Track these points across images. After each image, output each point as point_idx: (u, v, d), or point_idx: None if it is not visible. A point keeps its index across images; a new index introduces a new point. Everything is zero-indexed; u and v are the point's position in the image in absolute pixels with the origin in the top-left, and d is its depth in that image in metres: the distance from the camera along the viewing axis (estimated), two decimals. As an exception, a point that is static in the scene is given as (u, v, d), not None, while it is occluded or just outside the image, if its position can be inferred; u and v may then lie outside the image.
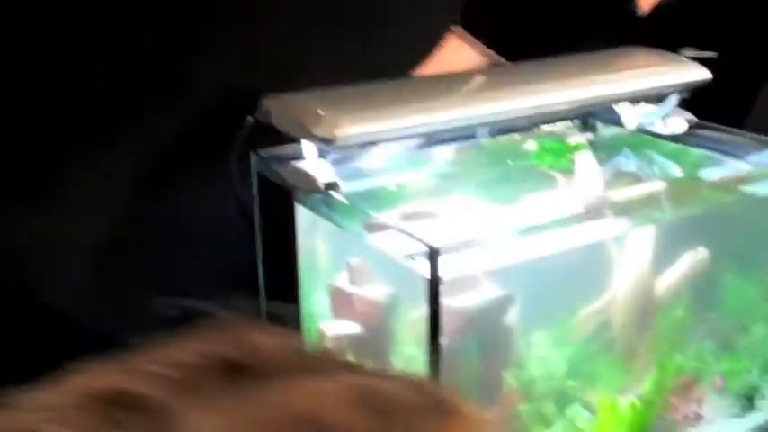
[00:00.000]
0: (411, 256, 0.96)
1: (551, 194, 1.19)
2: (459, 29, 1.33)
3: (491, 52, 1.31)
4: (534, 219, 1.05)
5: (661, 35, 1.28)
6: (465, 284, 1.06)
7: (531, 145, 1.30)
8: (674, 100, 1.23)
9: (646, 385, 1.13)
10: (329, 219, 1.09)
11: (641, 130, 1.29)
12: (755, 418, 1.21)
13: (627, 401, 1.11)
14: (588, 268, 1.15)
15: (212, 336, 0.46)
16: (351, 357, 1.10)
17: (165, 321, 1.20)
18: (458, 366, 1.06)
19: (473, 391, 1.09)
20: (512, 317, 1.10)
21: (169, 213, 1.30)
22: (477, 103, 1.09)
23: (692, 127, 1.29)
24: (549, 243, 1.06)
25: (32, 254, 1.29)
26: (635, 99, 1.25)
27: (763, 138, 1.24)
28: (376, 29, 1.38)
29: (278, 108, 1.10)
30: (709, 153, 1.29)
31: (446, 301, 1.05)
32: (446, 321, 1.05)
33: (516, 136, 1.33)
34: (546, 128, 1.35)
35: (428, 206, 1.15)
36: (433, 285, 0.93)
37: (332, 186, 1.06)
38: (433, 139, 1.25)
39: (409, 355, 1.05)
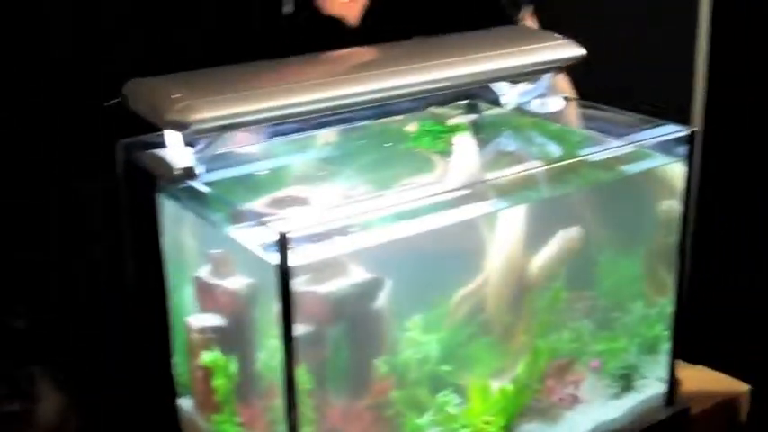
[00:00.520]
0: (265, 246, 0.93)
1: (426, 176, 1.17)
2: None
3: None
4: (405, 201, 1.03)
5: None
6: (330, 269, 1.04)
7: (411, 127, 1.28)
8: (549, 78, 1.22)
9: (520, 368, 1.11)
10: (189, 208, 1.06)
11: (521, 110, 1.27)
12: (634, 398, 1.21)
13: (499, 385, 1.10)
14: (462, 250, 1.14)
15: None
16: (217, 350, 1.08)
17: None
18: (323, 355, 1.04)
19: (343, 379, 1.07)
20: (382, 301, 1.08)
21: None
22: (338, 85, 1.07)
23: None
24: (419, 225, 1.04)
25: None
26: (512, 78, 1.24)
27: (641, 117, 1.23)
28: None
29: (135, 92, 1.06)
30: (590, 132, 1.29)
31: (309, 287, 1.04)
32: (309, 308, 1.03)
33: (398, 119, 1.31)
34: (431, 110, 1.33)
35: (300, 192, 1.13)
36: (283, 272, 0.90)
37: (188, 173, 1.02)
38: (314, 123, 1.23)
39: (274, 346, 1.02)
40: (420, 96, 1.16)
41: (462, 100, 1.36)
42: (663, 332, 1.23)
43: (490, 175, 1.13)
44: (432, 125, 1.26)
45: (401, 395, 1.08)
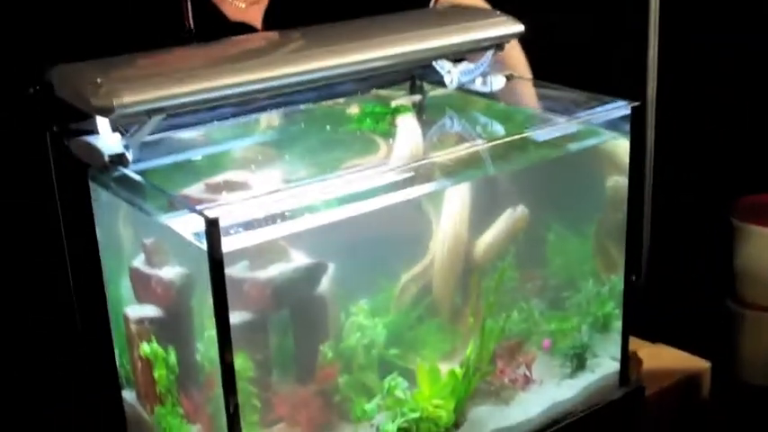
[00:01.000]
0: (198, 233, 0.90)
1: (369, 158, 1.14)
2: None
3: None
4: (346, 182, 1.01)
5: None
6: (270, 255, 1.01)
7: (353, 110, 1.25)
8: (489, 56, 1.19)
9: (469, 350, 1.09)
10: (122, 197, 1.02)
11: (464, 90, 1.25)
12: (587, 378, 1.19)
13: (448, 368, 1.07)
14: (407, 232, 1.11)
15: None
16: (156, 342, 1.05)
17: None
18: (266, 342, 1.01)
19: (287, 366, 1.04)
20: (325, 286, 1.05)
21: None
22: (271, 66, 1.03)
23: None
24: (362, 207, 1.01)
25: None
26: (452, 55, 1.21)
27: (589, 94, 1.21)
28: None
29: (60, 77, 1.02)
30: (536, 111, 1.27)
31: (249, 273, 1.01)
32: (250, 295, 1.00)
33: (341, 101, 1.28)
34: (375, 92, 1.30)
35: (238, 176, 1.10)
36: (215, 258, 0.87)
37: (120, 159, 0.99)
38: (255, 107, 1.20)
39: (212, 336, 0.99)
40: (360, 76, 1.13)
41: (406, 81, 1.34)
42: (614, 310, 1.22)
43: (433, 155, 1.11)
44: (374, 107, 1.23)
45: (348, 380, 1.05)
